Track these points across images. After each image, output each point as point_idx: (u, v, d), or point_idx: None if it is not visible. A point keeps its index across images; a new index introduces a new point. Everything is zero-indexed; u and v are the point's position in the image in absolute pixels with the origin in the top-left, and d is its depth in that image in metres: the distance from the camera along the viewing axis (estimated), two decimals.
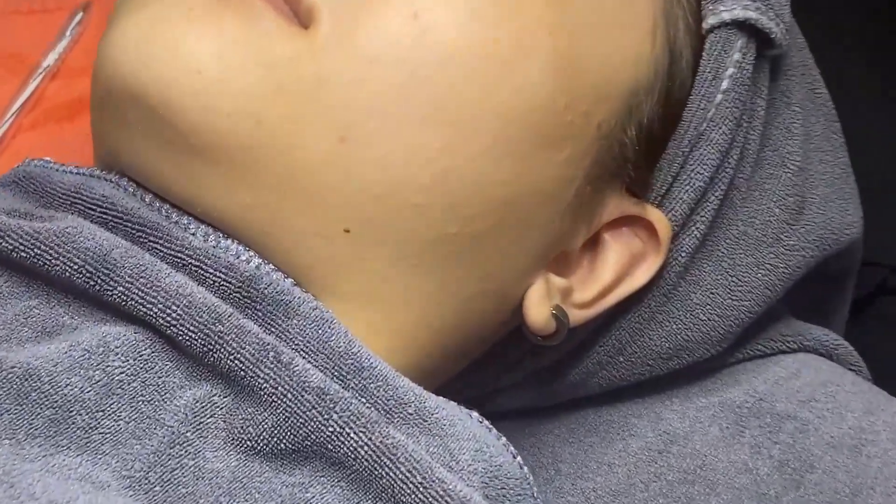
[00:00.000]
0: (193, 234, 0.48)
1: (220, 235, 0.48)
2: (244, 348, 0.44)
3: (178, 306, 0.44)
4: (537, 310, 0.52)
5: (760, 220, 0.57)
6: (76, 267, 0.45)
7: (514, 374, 0.58)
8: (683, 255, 0.56)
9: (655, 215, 0.54)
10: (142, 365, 0.44)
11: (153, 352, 0.44)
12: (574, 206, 0.51)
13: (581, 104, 0.50)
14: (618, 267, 0.54)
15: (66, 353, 0.43)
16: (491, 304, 0.52)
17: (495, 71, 0.48)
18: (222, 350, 0.44)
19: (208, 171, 0.47)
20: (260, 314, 0.46)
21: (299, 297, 0.47)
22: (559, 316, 0.53)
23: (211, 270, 0.46)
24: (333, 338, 0.46)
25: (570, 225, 0.52)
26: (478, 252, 0.50)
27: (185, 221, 0.48)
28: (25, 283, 0.46)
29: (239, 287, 0.46)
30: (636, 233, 0.55)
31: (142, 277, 0.45)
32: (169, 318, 0.44)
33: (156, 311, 0.44)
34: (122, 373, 0.44)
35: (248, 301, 0.46)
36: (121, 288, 0.45)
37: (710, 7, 0.54)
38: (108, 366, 0.44)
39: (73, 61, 0.67)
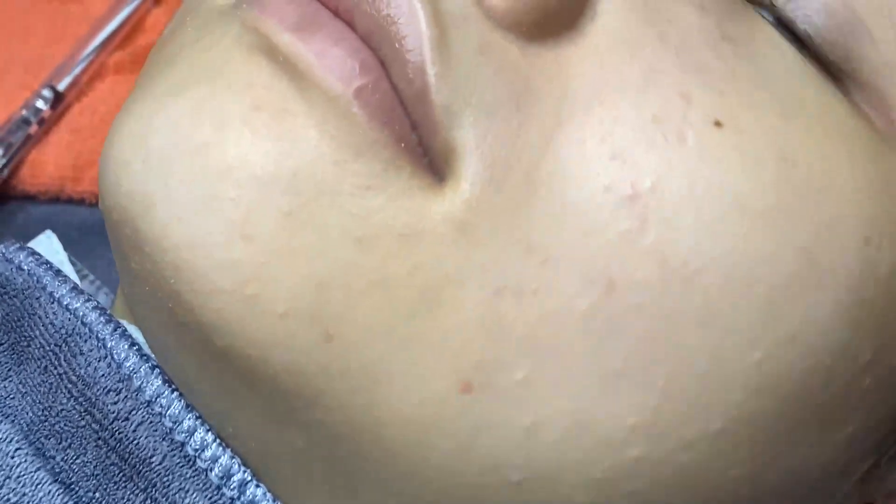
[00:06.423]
0: (208, 471, 0.29)
1: (248, 478, 0.29)
2: None
3: None
4: None
5: None
6: None
7: None
8: None
9: None
10: None
11: None
12: (840, 498, 0.31)
13: (890, 356, 0.29)
14: None
15: None
16: None
17: (768, 305, 0.27)
18: None
19: (240, 388, 0.28)
20: None
21: None
22: None
23: None
24: None
25: None
26: None
27: (199, 443, 0.29)
28: None
29: None
30: None
31: None
32: None
33: None
34: None
35: None
36: None
37: None
38: None
39: None
